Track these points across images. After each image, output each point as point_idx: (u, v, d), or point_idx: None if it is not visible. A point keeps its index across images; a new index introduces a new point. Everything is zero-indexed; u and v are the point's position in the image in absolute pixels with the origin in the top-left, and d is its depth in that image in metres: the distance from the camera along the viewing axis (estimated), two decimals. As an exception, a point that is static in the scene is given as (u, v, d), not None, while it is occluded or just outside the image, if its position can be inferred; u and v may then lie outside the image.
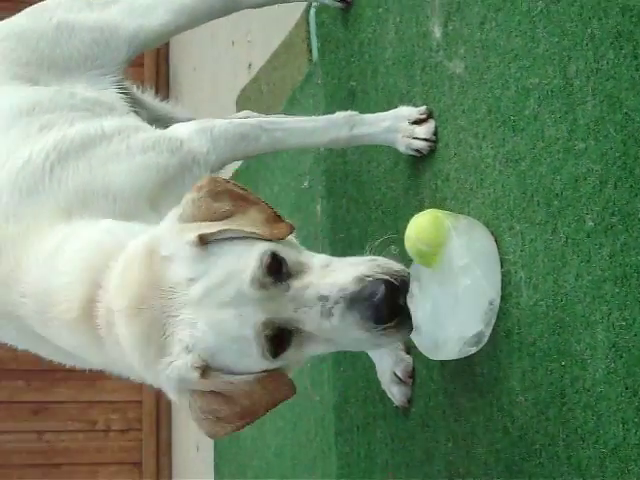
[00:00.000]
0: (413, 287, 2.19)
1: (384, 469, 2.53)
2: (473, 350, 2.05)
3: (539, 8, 1.87)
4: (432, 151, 2.29)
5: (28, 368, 6.45)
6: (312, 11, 3.46)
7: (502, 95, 2.01)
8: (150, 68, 6.51)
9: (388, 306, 1.71)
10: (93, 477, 6.36)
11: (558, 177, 1.82)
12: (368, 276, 1.74)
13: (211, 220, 1.80)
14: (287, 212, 3.51)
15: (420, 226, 2.08)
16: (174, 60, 6.46)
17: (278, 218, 1.84)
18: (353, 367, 2.72)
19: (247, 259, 1.74)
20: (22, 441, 6.29)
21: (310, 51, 3.65)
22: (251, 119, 2.39)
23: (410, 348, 2.37)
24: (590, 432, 1.72)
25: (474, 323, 2.02)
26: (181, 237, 1.77)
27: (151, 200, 2.09)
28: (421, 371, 2.34)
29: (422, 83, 2.35)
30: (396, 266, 1.79)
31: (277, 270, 1.74)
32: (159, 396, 6.64)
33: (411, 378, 2.39)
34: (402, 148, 2.36)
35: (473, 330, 2.02)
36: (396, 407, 2.44)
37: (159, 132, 2.27)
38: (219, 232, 1.76)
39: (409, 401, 2.40)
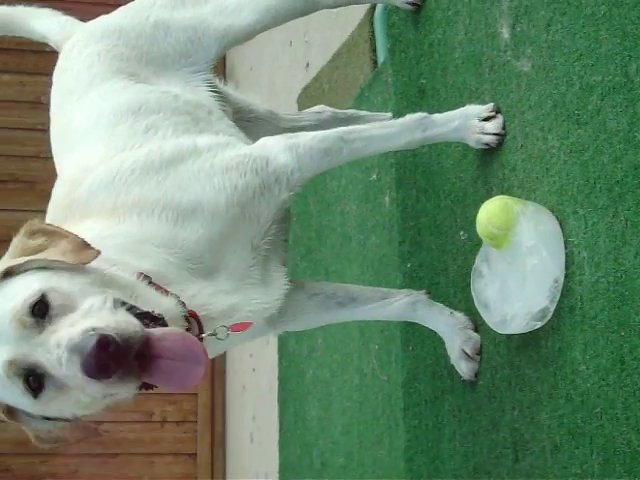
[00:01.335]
0: (482, 267, 2.40)
1: (451, 439, 2.72)
2: (539, 325, 2.23)
3: (602, 11, 2.05)
4: (500, 144, 2.47)
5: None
6: (377, 12, 3.65)
7: (567, 91, 2.19)
8: (207, 67, 6.66)
9: (97, 360, 1.73)
10: (149, 467, 6.55)
11: (619, 166, 2.00)
12: (95, 329, 1.77)
13: (26, 255, 1.97)
14: (355, 204, 3.71)
15: (491, 211, 2.27)
16: (231, 60, 6.55)
17: (86, 246, 1.97)
18: (422, 345, 2.91)
19: (18, 297, 1.87)
20: (81, 431, 6.52)
21: (374, 51, 3.81)
22: (333, 132, 2.48)
23: (478, 326, 2.56)
24: (647, 395, 1.91)
25: (540, 299, 2.20)
26: None
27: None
28: (488, 347, 2.53)
29: (490, 81, 2.53)
30: (132, 325, 1.81)
31: (44, 311, 1.85)
32: (214, 389, 6.86)
33: (479, 355, 2.57)
34: (472, 144, 2.52)
35: (539, 306, 2.20)
36: (464, 381, 2.63)
37: (246, 150, 2.38)
38: (23, 263, 1.95)
39: (476, 375, 2.58)
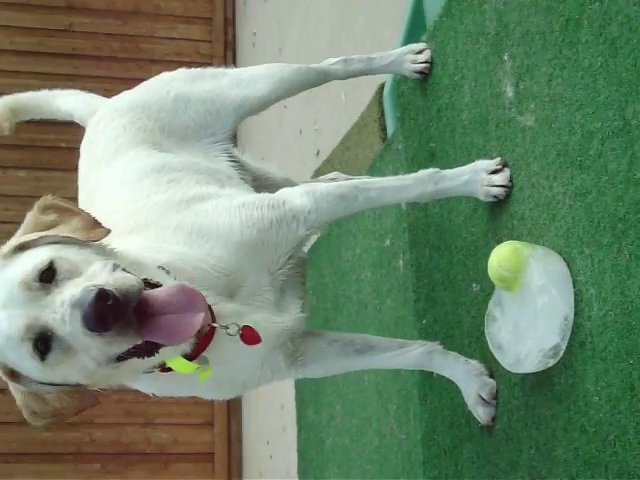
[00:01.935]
0: (495, 312, 2.50)
1: (471, 486, 2.80)
2: (551, 362, 2.33)
3: (599, 63, 2.19)
4: (508, 195, 2.60)
5: (103, 451, 6.75)
6: (387, 90, 3.82)
7: (569, 140, 2.32)
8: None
9: (96, 312, 1.82)
10: None
11: (621, 204, 2.12)
12: (95, 285, 1.86)
13: (39, 231, 2.10)
14: (370, 270, 3.83)
15: (502, 255, 2.38)
16: (242, 149, 6.75)
17: (97, 224, 2.12)
18: (439, 398, 3.00)
19: (28, 265, 1.98)
20: (99, 524, 6.56)
21: (383, 130, 3.99)
22: (348, 181, 2.67)
23: (493, 372, 2.66)
24: (657, 417, 2.00)
25: (551, 337, 2.30)
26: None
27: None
28: (503, 391, 2.62)
29: (497, 138, 2.67)
30: (130, 280, 1.92)
31: (51, 277, 1.96)
32: (231, 477, 6.94)
33: (495, 399, 2.66)
34: (482, 196, 2.65)
35: (550, 343, 2.30)
36: (481, 427, 2.71)
37: (265, 194, 2.56)
38: (37, 239, 2.08)
39: (493, 419, 2.67)
